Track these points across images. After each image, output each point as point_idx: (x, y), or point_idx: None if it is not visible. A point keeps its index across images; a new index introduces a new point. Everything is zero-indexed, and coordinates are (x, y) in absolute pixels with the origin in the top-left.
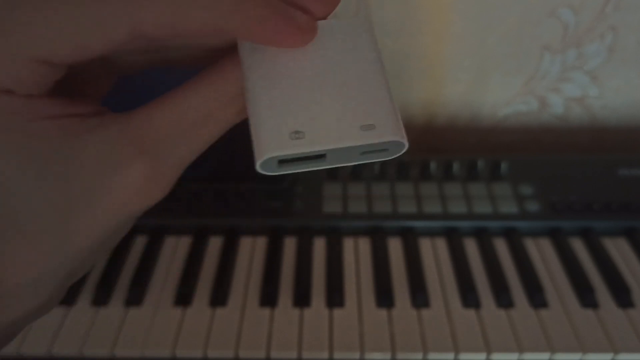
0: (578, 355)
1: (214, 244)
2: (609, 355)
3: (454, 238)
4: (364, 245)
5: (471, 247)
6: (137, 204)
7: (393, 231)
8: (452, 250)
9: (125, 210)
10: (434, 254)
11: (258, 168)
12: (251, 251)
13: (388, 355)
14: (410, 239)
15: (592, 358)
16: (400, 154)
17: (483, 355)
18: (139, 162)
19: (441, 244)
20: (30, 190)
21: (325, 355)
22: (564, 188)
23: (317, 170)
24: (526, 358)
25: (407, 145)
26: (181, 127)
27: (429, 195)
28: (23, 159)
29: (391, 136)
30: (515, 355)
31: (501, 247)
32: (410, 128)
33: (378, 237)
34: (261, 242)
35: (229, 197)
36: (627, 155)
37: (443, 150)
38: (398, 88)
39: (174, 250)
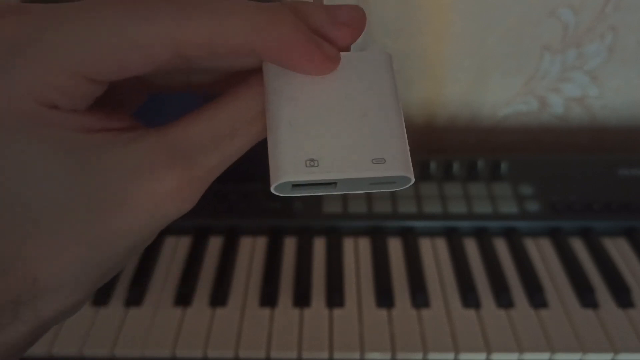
0: (578, 355)
1: (214, 244)
2: (609, 355)
3: (454, 238)
4: (364, 245)
5: (471, 247)
6: (169, 210)
7: (393, 231)
8: (452, 250)
9: (157, 216)
10: (434, 254)
11: (273, 190)
12: (251, 251)
13: (388, 355)
14: (410, 239)
15: (592, 358)
16: (407, 186)
17: (483, 355)
18: (173, 171)
19: (441, 244)
20: (70, 196)
21: (325, 355)
22: (564, 188)
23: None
24: (526, 358)
25: (413, 180)
26: (212, 139)
27: (429, 195)
28: (63, 168)
29: (399, 172)
30: (515, 355)
31: (501, 247)
32: (410, 128)
33: (378, 237)
34: (261, 242)
35: (229, 197)
36: (627, 155)
37: (443, 150)
38: (398, 88)
39: (174, 250)
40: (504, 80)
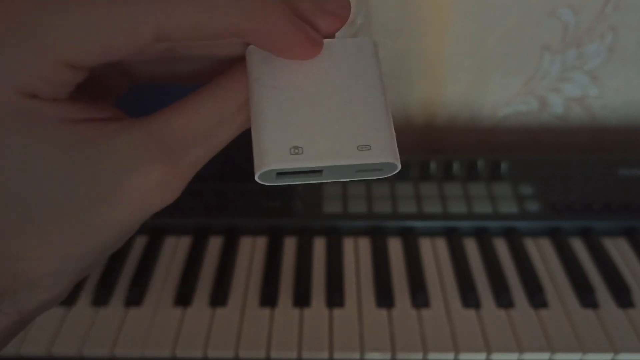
0: (578, 355)
1: (214, 244)
2: (609, 355)
3: (454, 238)
4: (364, 245)
5: (471, 247)
6: (155, 201)
7: (393, 231)
8: (452, 250)
9: (143, 207)
10: (434, 254)
11: (257, 178)
12: (251, 251)
13: (388, 355)
14: (410, 239)
15: (592, 358)
16: (394, 173)
17: (483, 355)
18: (158, 162)
19: (441, 244)
20: (55, 188)
21: (325, 355)
22: (564, 188)
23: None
24: (526, 358)
25: (399, 167)
26: (198, 130)
27: (429, 195)
28: (47, 160)
29: (385, 158)
30: (515, 355)
31: (501, 247)
32: (410, 128)
33: (378, 237)
34: (261, 242)
35: (229, 197)
36: (627, 155)
37: (443, 150)
38: (398, 88)
39: (174, 250)
40: (504, 80)
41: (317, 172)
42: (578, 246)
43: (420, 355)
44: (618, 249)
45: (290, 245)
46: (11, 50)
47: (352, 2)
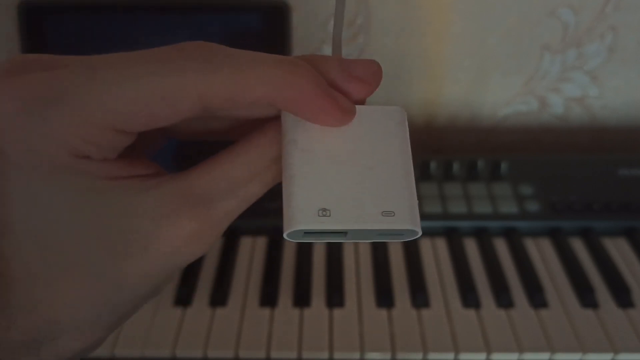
0: (578, 355)
1: (214, 244)
2: (609, 355)
3: (454, 238)
4: (364, 245)
5: (471, 247)
6: (186, 254)
7: None
8: (452, 250)
9: (175, 258)
10: (434, 254)
11: (285, 236)
12: (251, 251)
13: (388, 355)
14: None
15: (592, 358)
16: (414, 238)
17: (483, 355)
18: (191, 217)
19: (441, 244)
20: (91, 239)
21: (325, 355)
22: (564, 188)
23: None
24: (526, 358)
25: (420, 234)
26: (230, 186)
27: (429, 195)
28: (84, 212)
29: (407, 225)
30: (515, 355)
31: (501, 247)
32: (411, 128)
33: None
34: (261, 242)
35: None
36: (627, 155)
37: (443, 150)
38: (398, 88)
39: None
40: (504, 80)
41: (342, 233)
42: (578, 246)
43: (420, 355)
44: (618, 249)
45: (290, 245)
46: (66, 114)
47: (352, 2)
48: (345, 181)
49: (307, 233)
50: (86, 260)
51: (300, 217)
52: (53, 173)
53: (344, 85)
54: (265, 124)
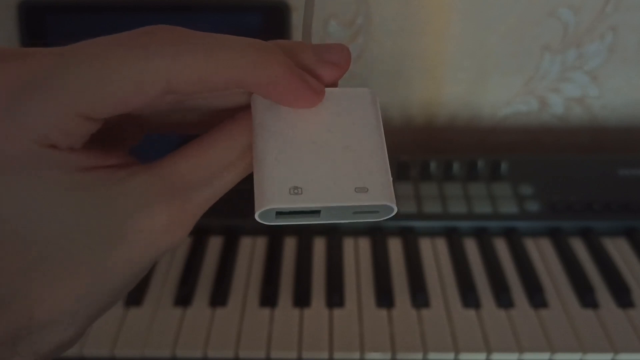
0: (578, 355)
1: (214, 244)
2: (609, 355)
3: (454, 238)
4: (364, 245)
5: (471, 247)
6: (163, 242)
7: (393, 231)
8: (452, 250)
9: (152, 248)
10: (434, 254)
11: (257, 217)
12: (251, 251)
13: (388, 355)
14: (410, 239)
15: (592, 358)
16: (390, 217)
17: (483, 355)
18: (165, 204)
19: (441, 244)
20: (66, 232)
21: (325, 355)
22: (564, 188)
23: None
24: (526, 358)
25: (395, 210)
26: (203, 173)
27: (429, 195)
28: (58, 205)
29: (382, 201)
30: (515, 355)
31: (501, 247)
32: (410, 128)
33: (378, 237)
34: (261, 242)
35: (229, 197)
36: (627, 155)
37: (443, 150)
38: (398, 88)
39: (174, 251)
40: (504, 80)
41: (315, 212)
42: (578, 246)
43: (420, 355)
44: (618, 249)
45: (290, 245)
46: (30, 103)
47: (352, 2)
48: (317, 160)
49: (280, 214)
50: (60, 254)
51: (271, 197)
52: (22, 166)
53: (317, 69)
54: (237, 112)
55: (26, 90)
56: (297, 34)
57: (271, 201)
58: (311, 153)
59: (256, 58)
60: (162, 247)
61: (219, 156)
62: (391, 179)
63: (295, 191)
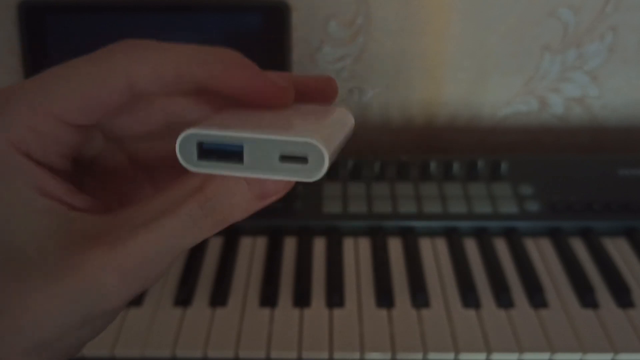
0: (578, 355)
1: (214, 244)
2: (609, 355)
3: (454, 238)
4: (364, 245)
5: (471, 247)
6: (105, 286)
7: (393, 231)
8: (452, 250)
9: (95, 289)
10: (434, 254)
11: (177, 152)
12: (251, 251)
13: (388, 355)
14: (410, 239)
15: (592, 358)
16: (322, 171)
17: (483, 355)
18: (99, 248)
19: (441, 244)
20: (35, 241)
21: (325, 355)
22: (564, 188)
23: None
24: (526, 358)
25: (325, 156)
26: (134, 224)
27: (429, 195)
28: (12, 224)
29: (306, 137)
30: (515, 355)
31: (501, 247)
32: (410, 128)
33: (378, 237)
34: (261, 242)
35: None
36: (627, 155)
37: (443, 150)
38: (398, 88)
39: None
40: (504, 80)
41: (238, 157)
42: (578, 246)
43: (420, 355)
44: (618, 249)
45: (290, 245)
46: (7, 108)
47: (352, 2)
48: (257, 120)
49: (203, 154)
50: (33, 261)
51: (197, 126)
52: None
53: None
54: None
55: (3, 98)
56: (297, 34)
57: (194, 129)
58: (255, 116)
59: (209, 52)
60: (106, 287)
61: (158, 203)
62: (333, 138)
63: (222, 125)
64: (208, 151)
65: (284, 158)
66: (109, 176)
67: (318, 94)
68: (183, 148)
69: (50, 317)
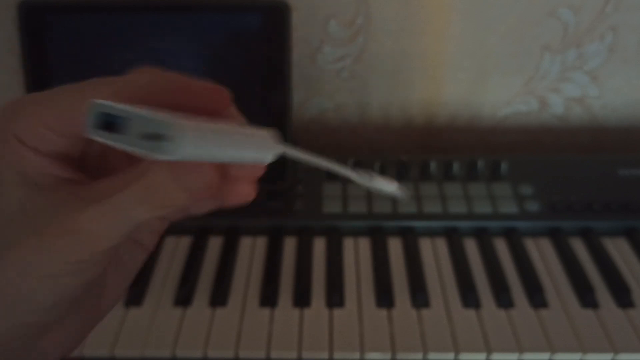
0: (578, 355)
1: (214, 244)
2: (609, 355)
3: (454, 238)
4: (364, 245)
5: (471, 247)
6: (84, 246)
7: (393, 231)
8: (452, 250)
9: (83, 249)
10: (434, 254)
11: (86, 120)
12: (251, 251)
13: (388, 355)
14: (410, 239)
15: (592, 358)
16: (175, 153)
17: (483, 355)
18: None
19: (441, 244)
20: (26, 221)
21: (325, 355)
22: (564, 188)
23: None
24: (526, 358)
25: (177, 136)
26: (106, 191)
27: (429, 195)
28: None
29: (170, 120)
30: (515, 355)
31: (501, 247)
32: (411, 128)
33: (378, 237)
34: (261, 242)
35: None
36: (627, 155)
37: (443, 150)
38: (398, 88)
39: (174, 250)
40: (504, 80)
41: (123, 129)
42: (578, 246)
43: (420, 355)
44: (618, 249)
45: (290, 245)
46: (20, 119)
47: (352, 2)
48: (187, 116)
49: (102, 122)
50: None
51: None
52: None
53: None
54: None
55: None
56: (297, 34)
57: (100, 100)
58: (192, 116)
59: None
60: (85, 249)
61: (112, 182)
62: (196, 131)
63: (132, 107)
64: (106, 123)
65: (144, 138)
66: (102, 161)
67: (205, 99)
68: (90, 116)
69: (32, 267)
